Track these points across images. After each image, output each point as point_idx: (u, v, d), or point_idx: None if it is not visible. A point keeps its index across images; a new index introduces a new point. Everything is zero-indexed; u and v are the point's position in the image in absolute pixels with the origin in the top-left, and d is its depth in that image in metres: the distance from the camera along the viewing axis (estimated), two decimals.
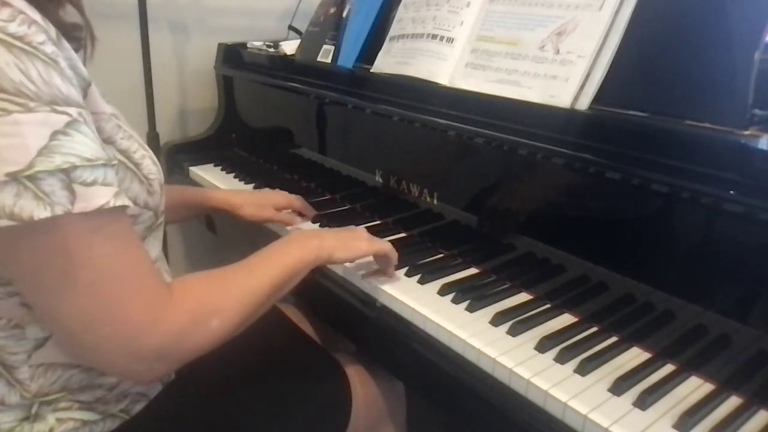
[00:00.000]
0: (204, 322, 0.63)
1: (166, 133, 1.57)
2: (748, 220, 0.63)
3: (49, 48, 0.53)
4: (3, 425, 0.65)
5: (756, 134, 0.65)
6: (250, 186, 1.34)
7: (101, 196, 0.54)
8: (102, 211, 0.54)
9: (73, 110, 0.53)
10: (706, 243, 0.69)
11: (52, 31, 0.55)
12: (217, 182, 1.37)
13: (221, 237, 1.45)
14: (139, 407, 0.73)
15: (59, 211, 0.51)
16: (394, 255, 0.88)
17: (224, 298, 0.66)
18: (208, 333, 0.63)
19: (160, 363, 0.61)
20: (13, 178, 0.50)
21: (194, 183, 1.44)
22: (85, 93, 0.59)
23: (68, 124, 0.52)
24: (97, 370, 0.67)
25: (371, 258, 0.92)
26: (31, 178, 0.50)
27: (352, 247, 0.84)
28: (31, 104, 0.50)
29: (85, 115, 0.55)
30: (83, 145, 0.53)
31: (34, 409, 0.66)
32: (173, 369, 0.72)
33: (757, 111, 0.68)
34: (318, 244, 0.79)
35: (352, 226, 0.92)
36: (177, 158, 1.52)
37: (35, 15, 0.53)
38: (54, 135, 0.51)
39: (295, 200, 1.11)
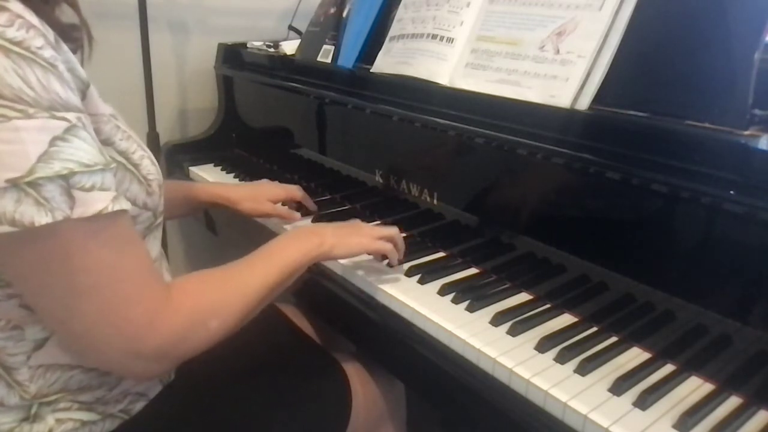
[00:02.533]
0: (203, 323, 0.63)
1: (166, 133, 1.57)
2: (748, 220, 0.63)
3: (48, 52, 0.53)
4: (2, 426, 0.65)
5: (756, 134, 0.65)
6: None
7: (100, 201, 0.54)
8: (101, 216, 0.54)
9: (71, 115, 0.53)
10: (706, 243, 0.69)
11: (50, 34, 0.55)
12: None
13: (221, 236, 1.45)
14: (138, 407, 0.73)
15: (59, 216, 0.51)
16: (393, 255, 0.88)
17: (224, 299, 0.66)
18: (207, 333, 0.64)
19: (159, 362, 0.62)
20: (14, 184, 0.50)
21: None
22: (83, 95, 0.59)
23: (67, 130, 0.52)
24: (97, 371, 0.68)
25: (371, 257, 0.92)
26: (32, 184, 0.50)
27: (351, 243, 0.84)
28: (31, 110, 0.50)
29: (84, 120, 0.55)
30: (82, 150, 0.53)
31: (33, 410, 0.66)
32: (173, 367, 0.73)
33: (757, 111, 0.68)
34: (318, 240, 0.79)
35: (356, 220, 0.91)
36: (177, 158, 1.52)
37: (33, 19, 0.53)
38: (53, 141, 0.51)
39: (294, 191, 1.10)
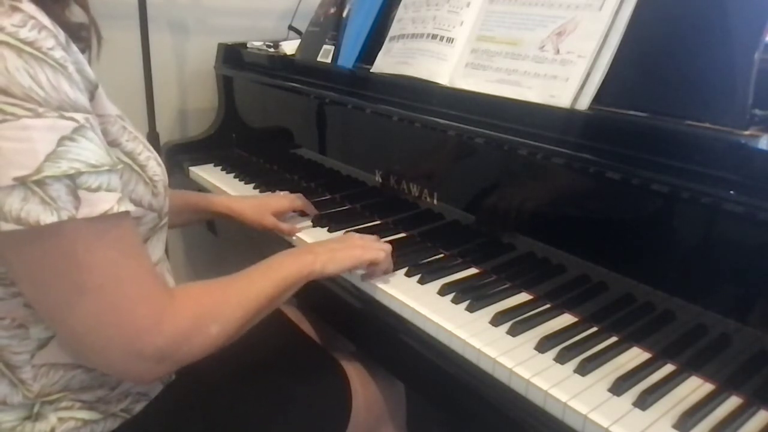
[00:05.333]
0: (205, 327, 0.64)
1: (166, 133, 1.57)
2: (748, 220, 0.63)
3: (59, 53, 0.53)
4: (5, 424, 0.65)
5: (756, 134, 0.65)
6: (250, 186, 1.34)
7: (105, 202, 0.54)
8: (106, 217, 0.54)
9: (80, 116, 0.54)
10: (706, 243, 0.69)
11: (61, 35, 0.55)
12: (217, 182, 1.37)
13: (221, 238, 1.45)
14: (140, 407, 0.73)
15: (64, 216, 0.52)
16: (383, 266, 0.88)
17: (225, 306, 0.67)
18: (208, 337, 0.64)
19: (160, 364, 0.62)
20: (21, 182, 0.50)
21: (194, 183, 1.44)
22: (92, 96, 0.59)
23: (75, 130, 0.53)
24: (99, 371, 0.68)
25: None
26: (39, 183, 0.51)
27: (342, 258, 0.84)
28: (40, 109, 0.51)
29: (92, 121, 0.55)
30: (89, 150, 0.54)
31: (36, 409, 0.66)
32: (172, 371, 0.73)
33: (757, 111, 0.68)
34: (311, 259, 0.80)
35: (352, 233, 0.94)
36: (177, 158, 1.52)
37: (45, 19, 0.53)
38: (61, 141, 0.52)
39: (295, 200, 1.12)
